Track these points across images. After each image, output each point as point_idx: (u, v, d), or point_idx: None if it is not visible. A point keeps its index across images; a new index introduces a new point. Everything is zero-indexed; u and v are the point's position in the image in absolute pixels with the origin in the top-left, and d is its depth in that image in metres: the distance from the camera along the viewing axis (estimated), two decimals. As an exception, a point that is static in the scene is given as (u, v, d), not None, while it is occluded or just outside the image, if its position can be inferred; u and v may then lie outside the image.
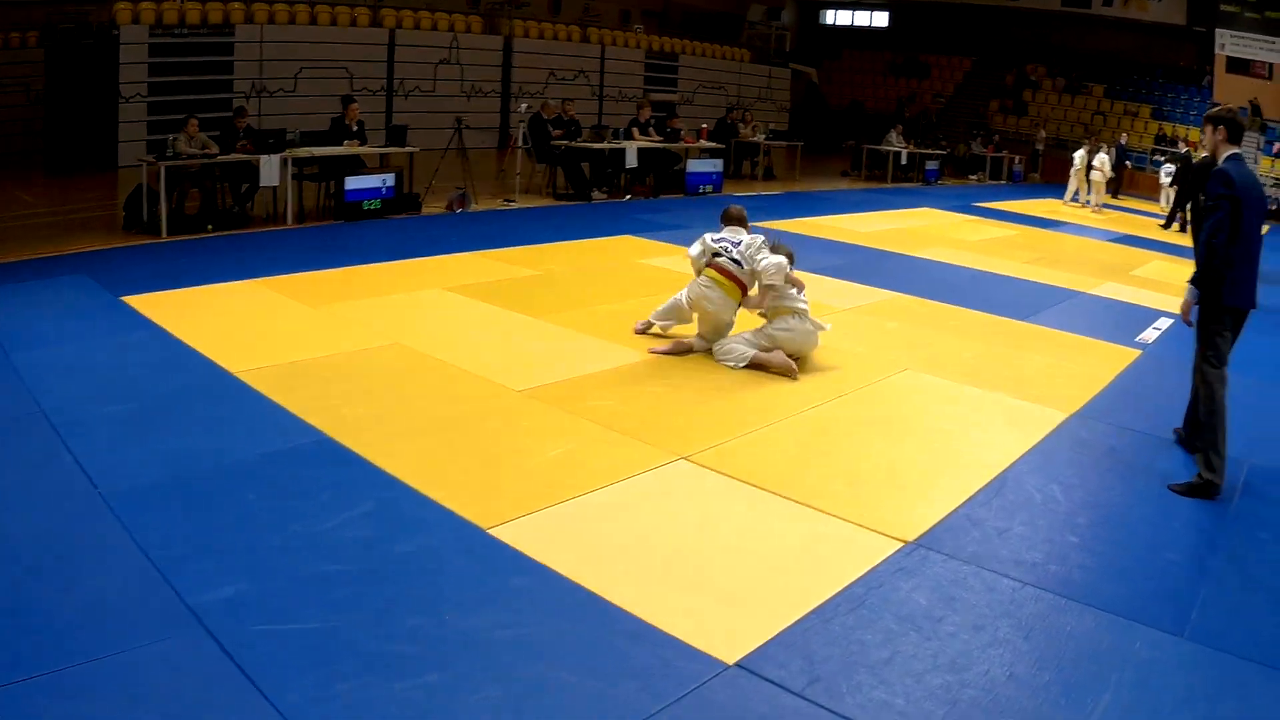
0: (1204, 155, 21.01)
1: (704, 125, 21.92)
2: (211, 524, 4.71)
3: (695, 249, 8.33)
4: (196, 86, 18.91)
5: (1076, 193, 24.94)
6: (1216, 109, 7.08)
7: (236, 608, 4.00)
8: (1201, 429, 6.54)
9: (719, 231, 8.42)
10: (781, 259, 7.96)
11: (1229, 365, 6.54)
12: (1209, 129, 6.85)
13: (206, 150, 12.44)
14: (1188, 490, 6.34)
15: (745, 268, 8.04)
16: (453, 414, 6.36)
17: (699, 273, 8.25)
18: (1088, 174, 24.76)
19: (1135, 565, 5.23)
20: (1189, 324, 6.67)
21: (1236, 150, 6.67)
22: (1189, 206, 20.62)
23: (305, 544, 4.57)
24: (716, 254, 8.19)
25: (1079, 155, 24.88)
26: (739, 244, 8.16)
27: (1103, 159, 24.07)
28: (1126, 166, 29.61)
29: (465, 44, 24.34)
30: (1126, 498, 6.23)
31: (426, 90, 23.31)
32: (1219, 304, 6.47)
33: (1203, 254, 6.40)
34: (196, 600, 4.01)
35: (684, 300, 8.26)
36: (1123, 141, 30.41)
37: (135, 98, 18.10)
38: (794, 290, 7.98)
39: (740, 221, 8.50)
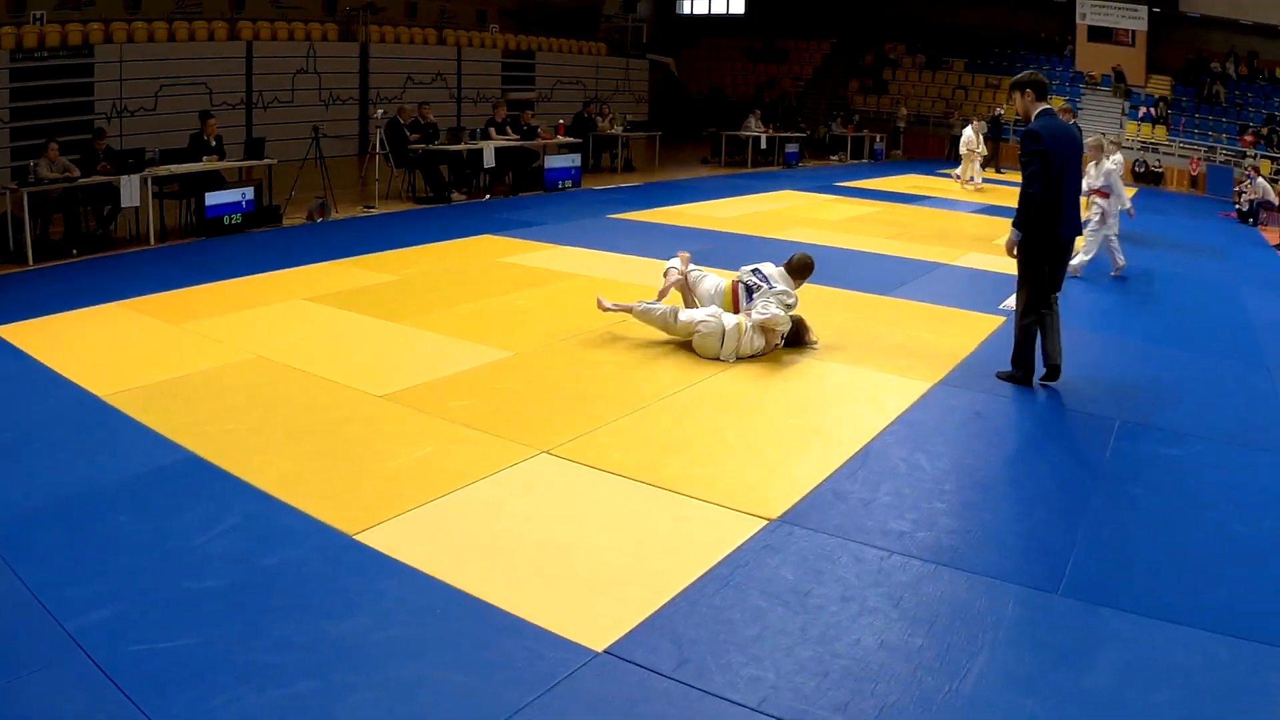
0: (1071, 121, 21.70)
1: (560, 121, 22.07)
2: (86, 548, 4.74)
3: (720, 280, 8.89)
4: (58, 109, 18.51)
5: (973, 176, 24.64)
6: (1020, 74, 7.89)
7: (114, 629, 4.03)
8: (1020, 340, 7.84)
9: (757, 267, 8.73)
10: (778, 313, 8.27)
11: (1063, 295, 7.80)
12: (1018, 95, 7.80)
13: (67, 174, 12.31)
14: (1005, 375, 7.95)
15: (751, 301, 8.45)
16: (316, 423, 6.44)
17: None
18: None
19: (1005, 527, 5.38)
20: (1012, 257, 7.80)
21: (1046, 106, 7.72)
22: None
23: (177, 562, 4.61)
24: (744, 281, 8.63)
25: (967, 133, 24.71)
26: (767, 283, 8.52)
27: (968, 134, 24.19)
28: (1005, 140, 30.43)
29: (322, 52, 24.11)
30: (993, 461, 6.45)
31: (285, 101, 23.04)
32: (1040, 240, 7.62)
33: (1025, 198, 7.48)
34: (75, 625, 4.05)
35: (672, 317, 8.43)
36: (999, 113, 31.25)
37: (-3, 124, 17.73)
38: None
39: (795, 273, 8.72)
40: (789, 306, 8.36)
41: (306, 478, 5.62)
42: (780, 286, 8.44)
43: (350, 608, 4.28)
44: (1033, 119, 7.70)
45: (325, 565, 4.65)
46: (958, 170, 24.87)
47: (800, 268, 8.70)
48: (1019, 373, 7.93)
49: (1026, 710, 3.76)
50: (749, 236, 14.62)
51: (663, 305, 8.59)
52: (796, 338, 8.50)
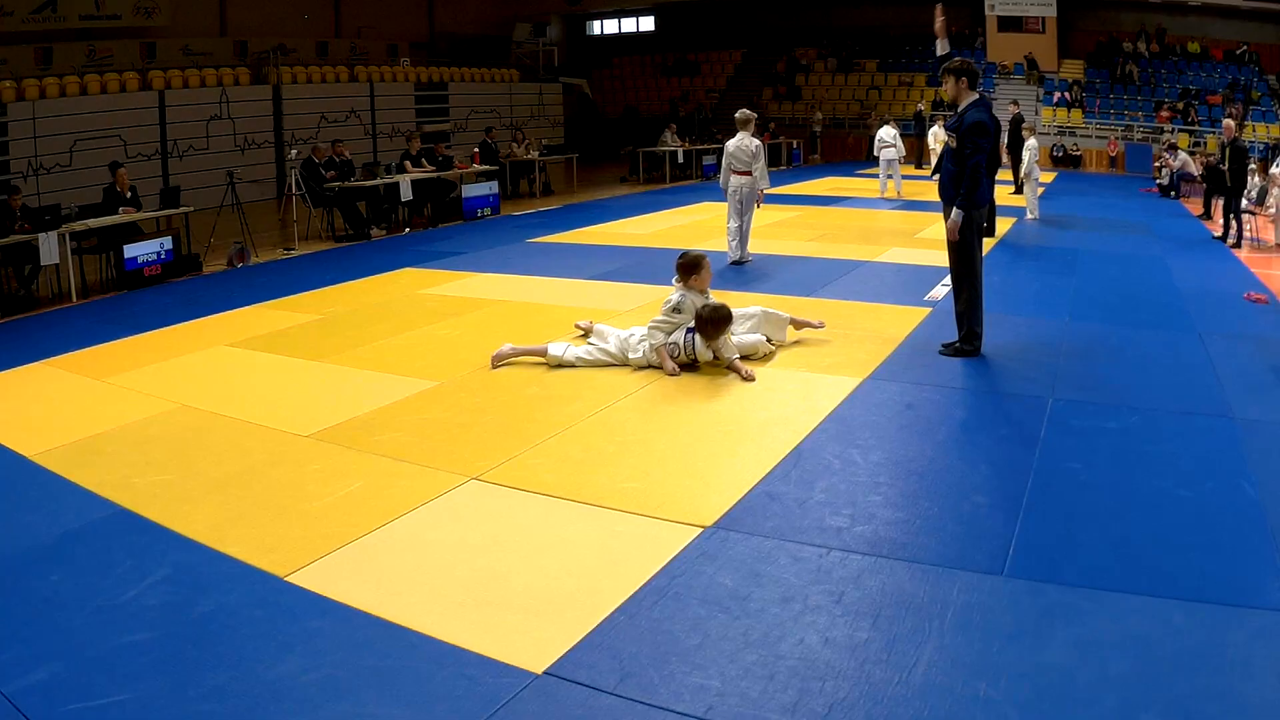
0: (1015, 111, 21.92)
1: (475, 150, 22.17)
2: (19, 609, 4.68)
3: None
4: (-30, 170, 18.44)
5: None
6: (953, 61, 8.35)
7: (50, 690, 4.00)
8: (970, 312, 8.42)
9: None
10: (658, 339, 8.25)
11: (991, 276, 8.50)
12: (951, 80, 8.32)
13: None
14: (954, 351, 8.48)
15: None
16: (242, 468, 6.41)
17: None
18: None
19: (945, 514, 5.41)
20: (955, 240, 8.23)
21: (977, 94, 8.35)
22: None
23: (109, 617, 4.58)
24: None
25: (933, 133, 24.64)
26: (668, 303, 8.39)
27: (890, 133, 23.32)
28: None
29: (235, 97, 24.15)
30: (928, 450, 6.46)
31: (200, 148, 23.06)
32: (975, 217, 8.28)
33: (971, 184, 8.05)
34: (10, 687, 4.02)
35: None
36: (920, 109, 31.72)
37: (-91, 185, 17.52)
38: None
39: (681, 271, 8.51)
40: (675, 309, 8.26)
41: (235, 523, 5.57)
42: (661, 314, 8.37)
43: (284, 650, 4.25)
44: (962, 105, 8.26)
45: (257, 609, 4.62)
46: (880, 177, 23.74)
47: (682, 266, 8.49)
48: (973, 344, 8.48)
49: (979, 692, 3.80)
50: (668, 250, 14.51)
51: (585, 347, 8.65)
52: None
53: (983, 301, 8.53)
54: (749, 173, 13.16)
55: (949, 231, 8.27)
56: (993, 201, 14.44)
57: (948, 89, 8.40)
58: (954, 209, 8.16)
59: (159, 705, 3.90)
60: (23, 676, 4.12)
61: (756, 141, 13.34)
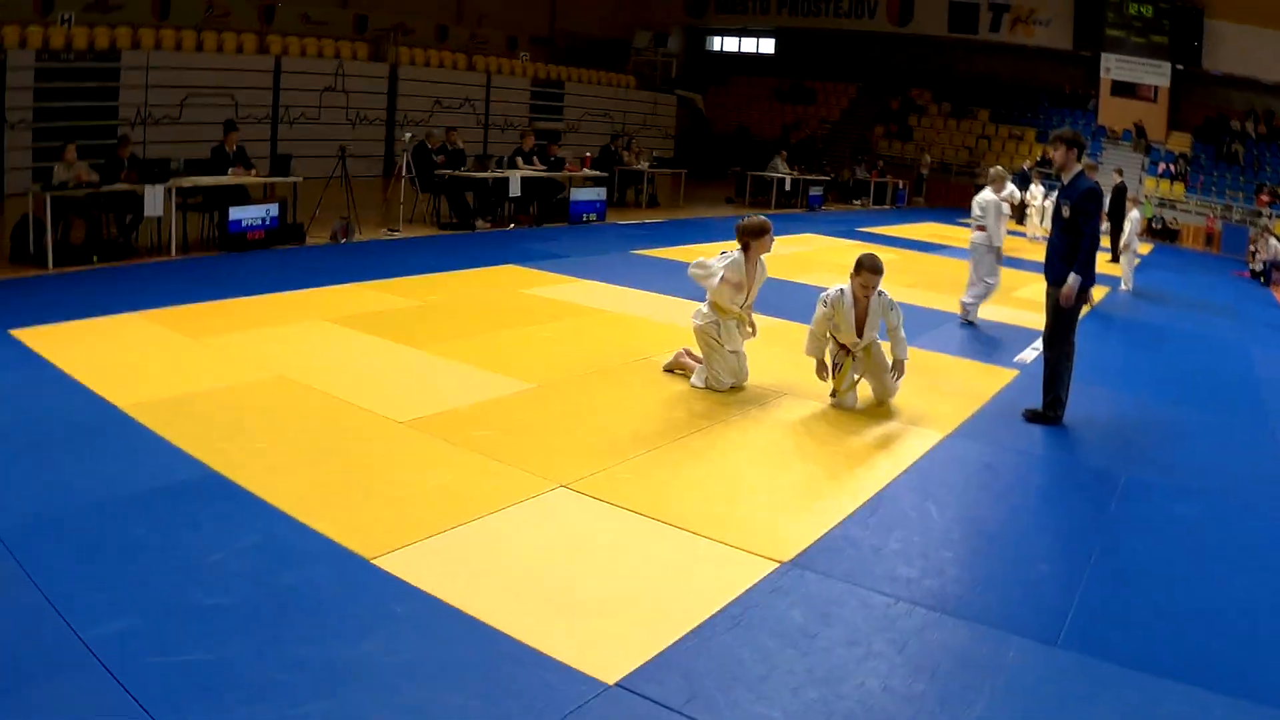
0: (1118, 180, 21.53)
1: (587, 154, 22.16)
2: (101, 558, 4.73)
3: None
4: (83, 113, 18.62)
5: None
6: (1065, 130, 8.34)
7: (128, 641, 4.02)
8: (1058, 380, 8.28)
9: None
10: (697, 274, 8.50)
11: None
12: (1062, 148, 8.23)
13: (81, 179, 12.22)
14: (1037, 417, 8.31)
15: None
16: (335, 446, 6.44)
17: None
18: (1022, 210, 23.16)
19: (1009, 578, 5.42)
20: (1068, 305, 8.13)
21: (1082, 165, 8.29)
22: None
23: (193, 577, 4.60)
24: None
25: (1038, 192, 23.59)
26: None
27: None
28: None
29: (351, 71, 24.32)
30: (1000, 513, 6.48)
31: (312, 118, 23.21)
32: (1088, 286, 8.20)
33: (1090, 250, 8.04)
34: (91, 634, 4.04)
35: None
36: (1026, 168, 31.24)
37: (21, 124, 17.76)
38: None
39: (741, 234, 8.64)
40: (705, 270, 8.44)
41: (325, 499, 5.61)
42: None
43: (364, 630, 4.29)
44: (1069, 174, 8.22)
45: (341, 587, 4.67)
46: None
47: (741, 229, 8.66)
48: (1056, 411, 8.33)
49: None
50: (770, 279, 14.41)
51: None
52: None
53: (1072, 371, 8.43)
54: (983, 228, 12.88)
55: (1063, 297, 8.14)
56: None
57: (1057, 157, 8.34)
58: (1072, 275, 8.07)
59: (238, 669, 3.96)
60: (101, 625, 4.17)
61: (992, 198, 12.95)
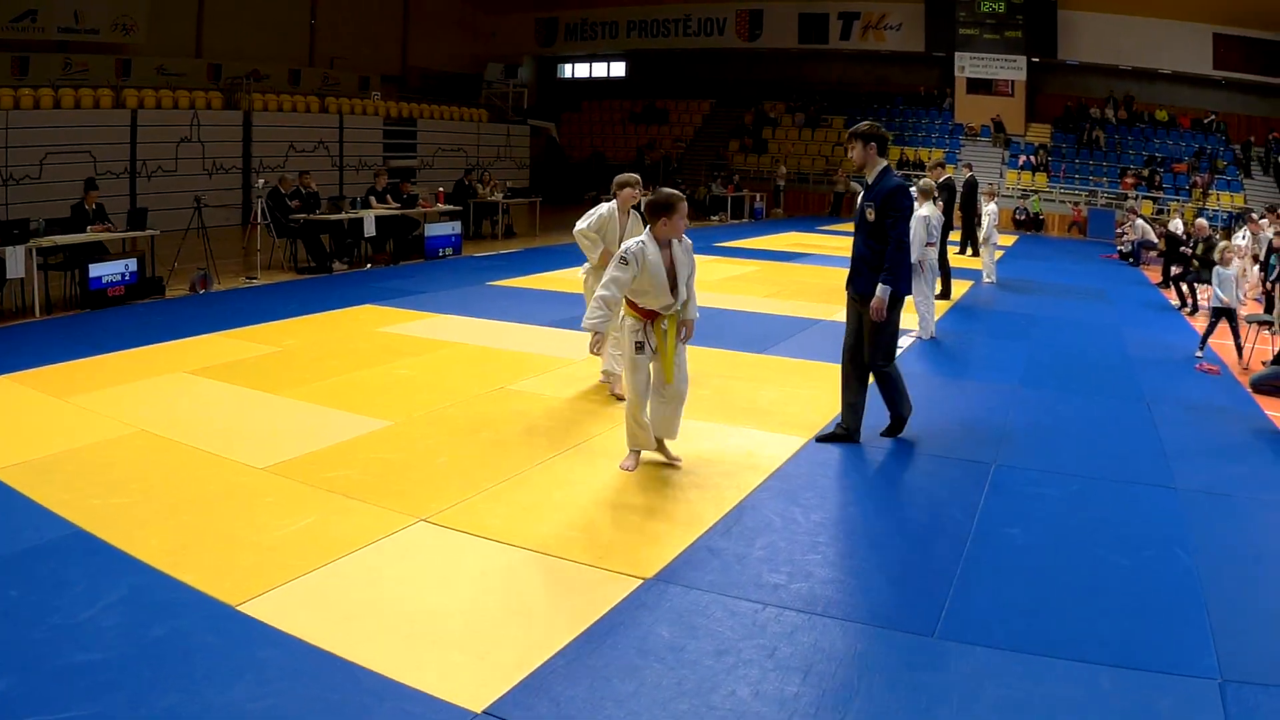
0: (968, 175, 22.18)
1: (440, 189, 22.34)
2: None
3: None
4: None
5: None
6: (863, 125, 7.77)
7: (8, 702, 4.08)
8: (900, 397, 7.90)
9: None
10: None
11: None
12: (859, 144, 7.69)
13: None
14: (831, 438, 7.90)
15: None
16: (198, 496, 6.52)
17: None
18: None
19: (880, 575, 5.55)
20: (882, 319, 7.59)
21: (885, 162, 7.80)
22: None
23: (65, 635, 4.66)
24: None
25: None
26: None
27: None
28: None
29: (206, 120, 24.33)
30: (868, 511, 6.65)
31: (169, 169, 23.18)
32: (900, 295, 7.67)
33: (899, 258, 7.48)
34: None
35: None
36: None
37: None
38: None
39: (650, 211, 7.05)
40: (622, 262, 6.83)
41: (191, 550, 5.69)
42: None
43: (234, 677, 4.35)
44: (873, 172, 7.70)
45: (210, 635, 4.74)
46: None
47: (652, 205, 7.00)
48: (903, 417, 8.04)
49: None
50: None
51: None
52: None
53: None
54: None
55: (874, 313, 7.52)
56: (947, 264, 14.89)
57: (856, 155, 7.72)
58: (880, 285, 7.43)
59: (112, 723, 4.08)
60: (-20, 687, 4.24)
61: (921, 212, 12.14)
